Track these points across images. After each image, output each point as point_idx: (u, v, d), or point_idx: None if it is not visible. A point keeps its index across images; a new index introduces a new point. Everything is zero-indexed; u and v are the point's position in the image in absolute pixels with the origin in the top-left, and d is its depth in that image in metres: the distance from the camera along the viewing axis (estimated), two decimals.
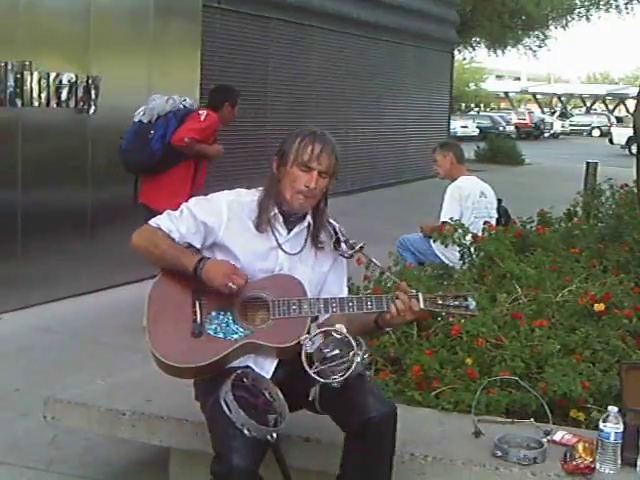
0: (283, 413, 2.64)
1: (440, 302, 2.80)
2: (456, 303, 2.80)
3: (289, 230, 2.87)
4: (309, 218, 2.89)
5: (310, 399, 2.67)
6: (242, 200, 2.87)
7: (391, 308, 2.74)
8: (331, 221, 2.92)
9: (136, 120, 5.75)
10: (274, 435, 2.59)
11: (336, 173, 2.84)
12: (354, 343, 2.59)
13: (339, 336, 2.62)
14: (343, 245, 2.89)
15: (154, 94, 6.01)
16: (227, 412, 2.55)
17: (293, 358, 2.73)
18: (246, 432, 2.52)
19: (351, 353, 2.59)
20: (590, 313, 3.87)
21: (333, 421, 2.75)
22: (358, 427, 2.64)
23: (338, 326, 2.64)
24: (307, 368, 2.58)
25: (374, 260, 3.03)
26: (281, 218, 2.86)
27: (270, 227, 2.84)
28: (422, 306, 2.76)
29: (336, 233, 2.89)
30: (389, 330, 2.91)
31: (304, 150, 2.77)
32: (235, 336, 2.73)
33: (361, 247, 2.88)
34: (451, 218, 5.27)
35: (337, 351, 2.61)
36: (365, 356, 2.63)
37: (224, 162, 8.08)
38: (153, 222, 2.85)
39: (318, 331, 2.68)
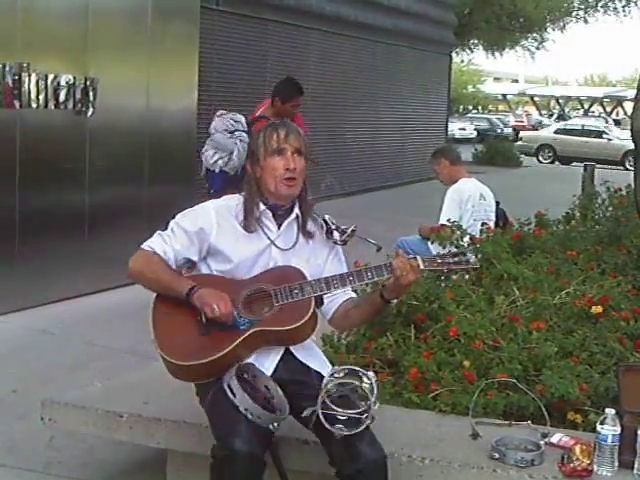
0: (283, 409, 2.64)
1: (439, 260, 2.81)
2: (455, 259, 2.81)
3: (279, 225, 2.89)
4: (297, 210, 2.91)
5: (303, 415, 2.65)
6: (229, 204, 2.90)
7: (393, 264, 2.73)
8: (319, 214, 2.95)
9: (217, 170, 5.87)
10: (276, 425, 2.58)
11: (309, 153, 2.88)
12: (371, 398, 2.54)
13: (359, 390, 2.57)
14: (335, 233, 2.91)
15: (215, 133, 6.08)
16: (231, 397, 2.56)
17: (294, 367, 2.76)
18: (250, 416, 2.52)
19: (363, 409, 2.54)
20: (588, 315, 3.87)
21: (324, 451, 2.72)
22: (349, 474, 2.62)
23: (370, 374, 2.60)
24: (319, 408, 2.53)
25: (369, 239, 3.03)
26: (270, 213, 2.88)
27: (259, 226, 2.86)
28: (421, 266, 2.76)
29: (326, 223, 2.91)
30: (396, 301, 2.91)
31: (270, 138, 2.83)
32: (242, 327, 2.74)
33: (353, 230, 2.91)
34: (449, 220, 5.27)
35: (350, 394, 2.57)
36: (375, 407, 2.57)
37: None
38: (146, 246, 2.86)
39: (344, 367, 2.65)
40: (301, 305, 2.75)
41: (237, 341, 2.71)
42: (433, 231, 5.40)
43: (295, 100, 6.09)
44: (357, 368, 2.63)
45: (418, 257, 2.78)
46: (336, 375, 2.59)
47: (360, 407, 2.54)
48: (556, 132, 28.54)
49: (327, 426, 2.52)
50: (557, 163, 26.20)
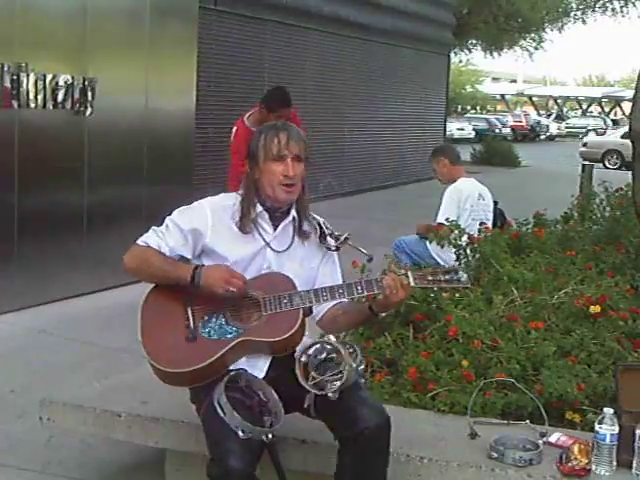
0: (278, 413, 2.64)
1: (430, 278, 2.78)
2: (447, 277, 2.78)
3: (275, 227, 2.88)
4: (293, 212, 2.90)
5: (305, 406, 2.67)
6: (225, 204, 2.88)
7: (383, 282, 2.72)
8: (315, 216, 2.94)
9: None
10: (269, 436, 2.59)
11: (308, 157, 2.86)
12: (343, 351, 2.59)
13: (329, 346, 2.62)
14: (329, 238, 2.90)
15: None
16: (221, 414, 2.55)
17: (287, 360, 2.74)
18: (241, 434, 2.52)
19: (342, 363, 2.58)
20: (586, 315, 3.87)
21: (327, 428, 2.75)
22: (352, 438, 2.64)
23: (331, 337, 2.65)
24: (302, 382, 2.59)
25: (361, 249, 3.02)
26: (266, 215, 2.87)
27: (255, 227, 2.85)
28: (412, 284, 2.74)
29: (320, 227, 2.90)
30: (384, 315, 2.89)
31: (271, 143, 2.80)
32: (229, 336, 2.73)
33: (346, 238, 2.90)
34: (447, 219, 5.27)
35: (331, 355, 2.61)
36: (360, 366, 2.63)
37: (221, 166, 8.09)
38: (141, 241, 2.85)
39: (312, 342, 2.68)
40: (289, 316, 2.74)
41: (223, 350, 2.71)
42: (430, 229, 5.41)
43: (280, 112, 5.97)
44: (321, 340, 2.67)
45: (409, 274, 2.75)
46: (308, 352, 2.64)
47: (340, 369, 2.58)
48: (623, 137, 27.10)
49: (318, 392, 2.56)
50: (624, 169, 22.63)
